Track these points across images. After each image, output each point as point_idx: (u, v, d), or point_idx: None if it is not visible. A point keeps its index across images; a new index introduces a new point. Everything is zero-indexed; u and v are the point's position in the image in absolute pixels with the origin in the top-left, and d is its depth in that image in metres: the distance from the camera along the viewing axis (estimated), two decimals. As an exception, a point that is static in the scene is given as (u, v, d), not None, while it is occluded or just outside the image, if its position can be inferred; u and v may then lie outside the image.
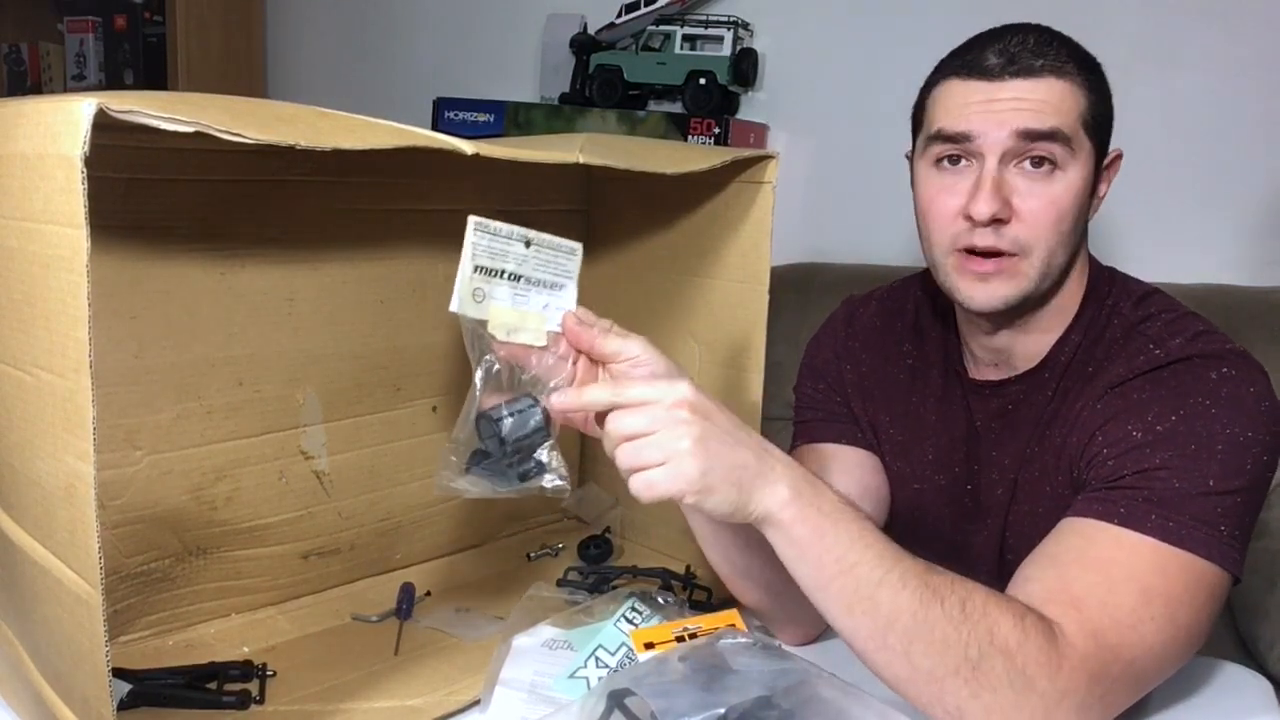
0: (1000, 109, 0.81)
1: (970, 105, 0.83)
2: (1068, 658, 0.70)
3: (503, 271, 0.73)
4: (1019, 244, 0.82)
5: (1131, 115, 1.65)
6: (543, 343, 0.76)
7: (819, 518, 0.72)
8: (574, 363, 0.77)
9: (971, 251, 0.84)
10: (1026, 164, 0.82)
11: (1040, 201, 0.82)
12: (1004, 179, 0.82)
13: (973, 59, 0.83)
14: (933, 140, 0.86)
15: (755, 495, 0.71)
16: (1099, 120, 0.84)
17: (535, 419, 0.74)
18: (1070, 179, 0.82)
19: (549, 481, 0.75)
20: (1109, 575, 0.74)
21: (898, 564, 0.71)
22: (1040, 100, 0.81)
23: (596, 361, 0.78)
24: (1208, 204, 1.64)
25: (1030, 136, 0.81)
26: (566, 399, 0.73)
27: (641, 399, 0.70)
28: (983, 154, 0.82)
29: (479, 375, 0.74)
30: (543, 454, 0.75)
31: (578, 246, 0.77)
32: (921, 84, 0.90)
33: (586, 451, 1.24)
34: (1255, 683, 0.92)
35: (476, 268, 0.72)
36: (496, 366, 0.74)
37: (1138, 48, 1.65)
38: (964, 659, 0.69)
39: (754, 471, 0.71)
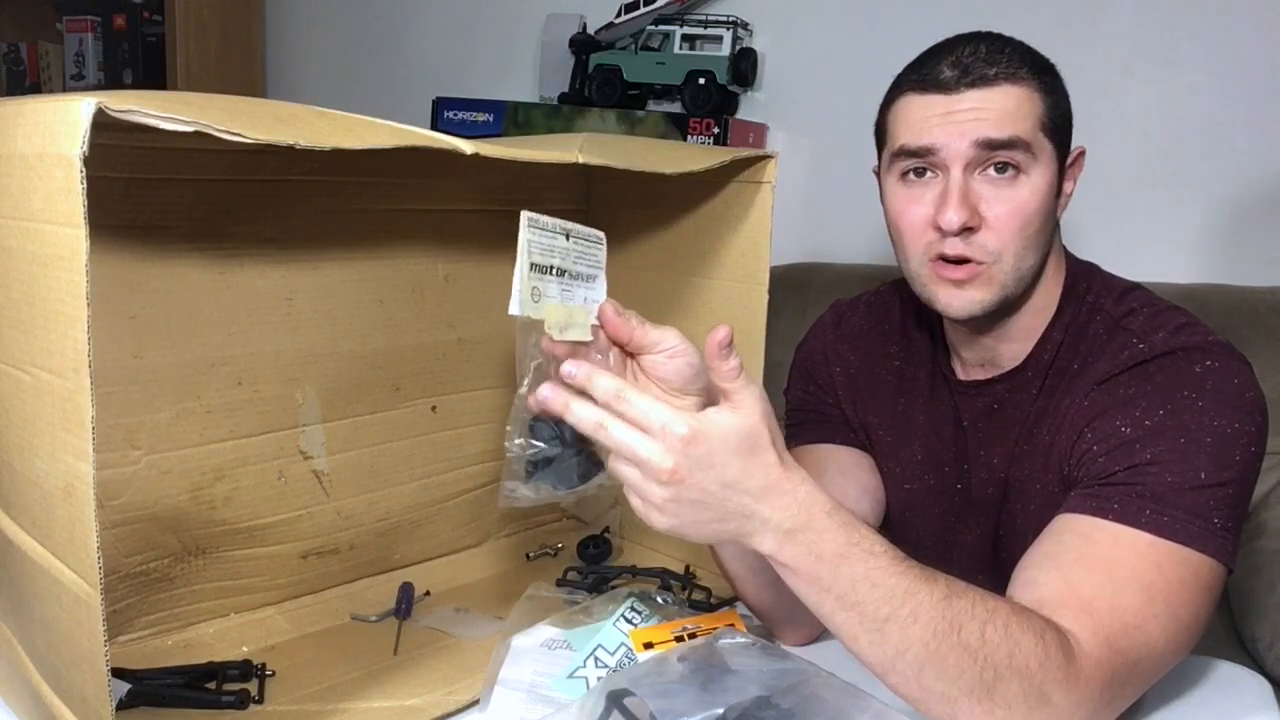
0: (960, 120, 0.83)
1: (930, 119, 0.84)
2: (1084, 669, 0.70)
3: (551, 267, 0.71)
4: (988, 251, 0.84)
5: (1128, 116, 1.66)
6: (590, 338, 0.74)
7: (815, 564, 0.68)
8: (610, 357, 0.77)
9: (944, 259, 0.85)
10: (991, 171, 0.83)
11: (1007, 207, 0.83)
12: (970, 187, 0.83)
13: (928, 73, 0.85)
14: (897, 156, 0.87)
15: (739, 540, 0.69)
16: (1057, 122, 0.85)
17: None
18: (1035, 183, 0.83)
19: (603, 477, 0.74)
20: (1112, 575, 0.74)
21: (909, 599, 0.68)
22: (998, 109, 0.82)
23: (630, 354, 0.78)
24: (1206, 203, 1.64)
25: (991, 145, 0.82)
26: (551, 395, 0.68)
27: (624, 445, 0.66)
28: (947, 165, 0.84)
29: (529, 379, 0.71)
30: (600, 451, 0.74)
31: (603, 235, 0.76)
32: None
33: (586, 451, 1.24)
34: (1254, 683, 0.92)
35: (532, 265, 0.69)
36: (547, 367, 0.72)
37: (1134, 49, 1.65)
38: (979, 681, 0.68)
39: (734, 529, 0.68)
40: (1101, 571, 0.74)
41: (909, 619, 0.68)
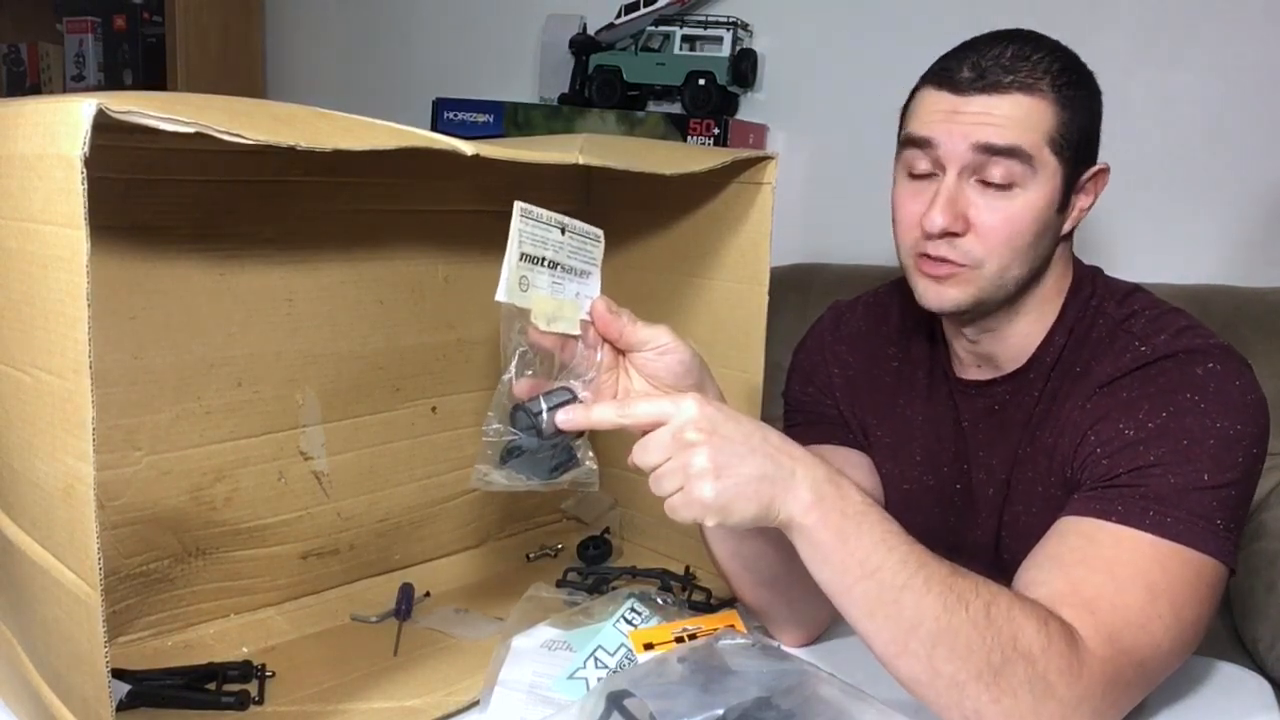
0: (964, 122, 0.82)
1: (937, 114, 0.84)
2: (1087, 664, 0.70)
3: (543, 259, 0.73)
4: (970, 257, 0.84)
5: (1129, 117, 1.66)
6: (577, 331, 0.75)
7: (842, 521, 0.70)
8: (600, 352, 0.78)
9: (927, 256, 0.85)
10: (986, 180, 0.83)
11: (996, 218, 0.83)
12: (961, 193, 0.83)
13: (948, 69, 0.85)
14: (904, 144, 0.88)
15: (776, 504, 0.70)
16: (1072, 137, 0.83)
17: None
18: (1030, 197, 0.83)
19: (582, 474, 0.75)
20: (1115, 575, 0.74)
21: (922, 568, 0.70)
22: (1004, 116, 0.82)
23: (621, 351, 0.79)
24: (1208, 205, 1.64)
25: (989, 151, 0.82)
26: (574, 417, 0.72)
27: (649, 417, 0.70)
28: (944, 165, 0.84)
29: (514, 365, 0.73)
30: (577, 446, 0.75)
31: (601, 233, 0.77)
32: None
33: (586, 452, 1.24)
34: (1255, 684, 0.92)
35: (522, 255, 0.71)
36: (531, 356, 0.74)
37: (1135, 50, 1.65)
38: (986, 664, 0.68)
39: (772, 480, 0.69)
40: (1104, 571, 0.74)
41: (923, 588, 0.69)
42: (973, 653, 0.68)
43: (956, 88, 0.83)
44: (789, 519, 0.70)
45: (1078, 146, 0.84)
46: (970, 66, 0.83)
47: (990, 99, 0.82)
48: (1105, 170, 0.88)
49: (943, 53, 0.87)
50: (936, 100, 0.85)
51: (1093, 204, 0.89)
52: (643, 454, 0.70)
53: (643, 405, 0.71)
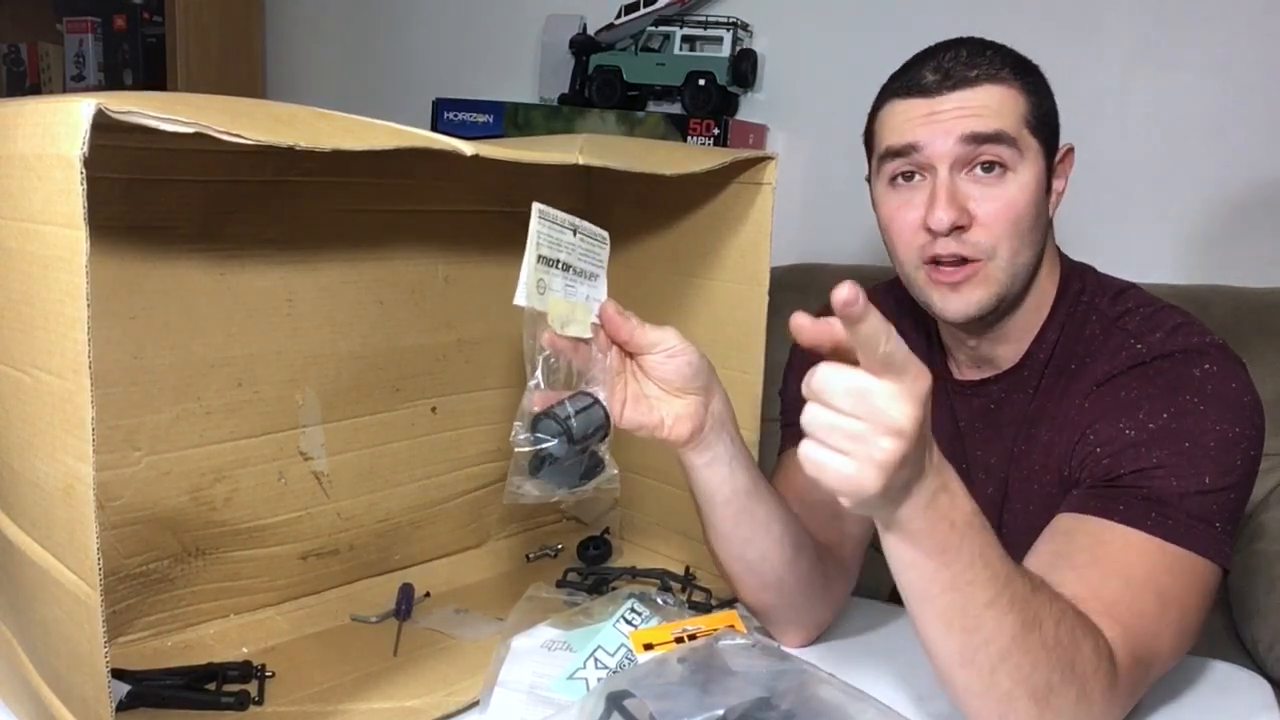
0: (944, 119, 0.83)
1: (914, 120, 0.85)
2: (1119, 679, 0.70)
3: (557, 261, 0.72)
4: (981, 249, 0.84)
5: (1128, 116, 1.66)
6: (589, 335, 0.75)
7: (948, 531, 0.65)
8: (610, 356, 0.77)
9: (938, 262, 0.85)
10: (978, 170, 0.84)
11: (996, 205, 0.83)
12: (957, 187, 0.84)
13: (911, 79, 0.86)
14: (883, 159, 0.88)
15: (894, 503, 0.64)
16: (1043, 120, 0.85)
17: (599, 416, 0.73)
18: (1022, 179, 0.84)
19: (605, 478, 0.74)
20: (1128, 579, 0.74)
21: (1009, 585, 0.67)
22: (981, 106, 0.83)
23: (629, 354, 0.78)
24: (1208, 204, 1.64)
25: (976, 140, 0.82)
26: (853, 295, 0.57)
27: (905, 357, 0.60)
28: (933, 165, 0.84)
29: (540, 372, 0.72)
30: (602, 450, 0.74)
31: (607, 235, 0.77)
32: None
33: (586, 452, 1.24)
34: (1254, 684, 0.92)
35: (540, 257, 0.70)
36: (555, 361, 0.73)
37: (1134, 49, 1.65)
38: (1045, 683, 0.68)
39: (902, 483, 0.63)
40: (1118, 575, 0.74)
41: (1006, 607, 0.67)
42: (1035, 671, 0.68)
43: (926, 92, 0.84)
44: (895, 519, 0.65)
45: (1049, 127, 0.86)
46: (932, 71, 0.84)
47: (963, 93, 0.83)
48: (1071, 149, 0.90)
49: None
50: (908, 108, 0.85)
51: (1065, 187, 0.90)
52: (836, 394, 0.62)
53: (903, 355, 0.60)
